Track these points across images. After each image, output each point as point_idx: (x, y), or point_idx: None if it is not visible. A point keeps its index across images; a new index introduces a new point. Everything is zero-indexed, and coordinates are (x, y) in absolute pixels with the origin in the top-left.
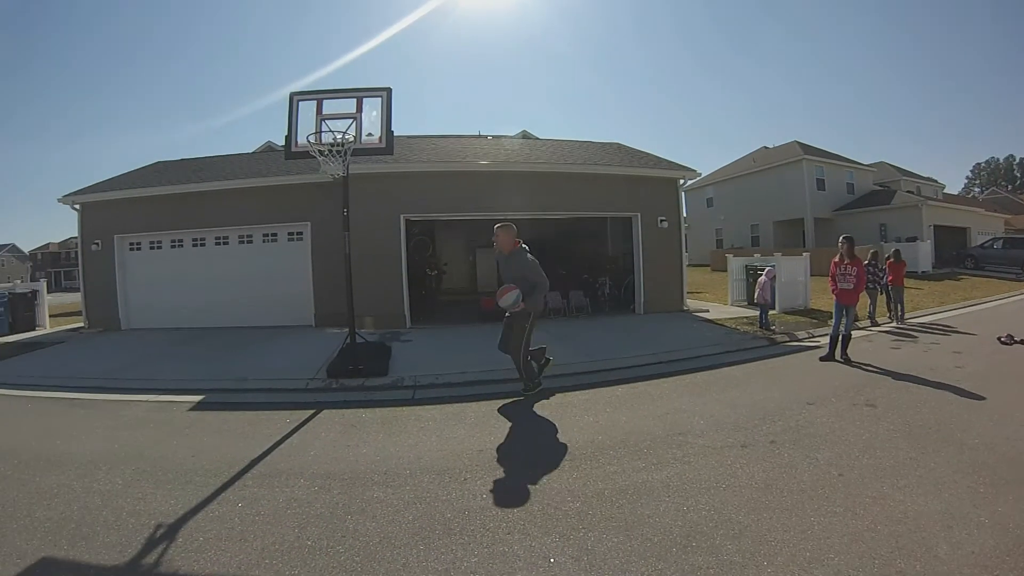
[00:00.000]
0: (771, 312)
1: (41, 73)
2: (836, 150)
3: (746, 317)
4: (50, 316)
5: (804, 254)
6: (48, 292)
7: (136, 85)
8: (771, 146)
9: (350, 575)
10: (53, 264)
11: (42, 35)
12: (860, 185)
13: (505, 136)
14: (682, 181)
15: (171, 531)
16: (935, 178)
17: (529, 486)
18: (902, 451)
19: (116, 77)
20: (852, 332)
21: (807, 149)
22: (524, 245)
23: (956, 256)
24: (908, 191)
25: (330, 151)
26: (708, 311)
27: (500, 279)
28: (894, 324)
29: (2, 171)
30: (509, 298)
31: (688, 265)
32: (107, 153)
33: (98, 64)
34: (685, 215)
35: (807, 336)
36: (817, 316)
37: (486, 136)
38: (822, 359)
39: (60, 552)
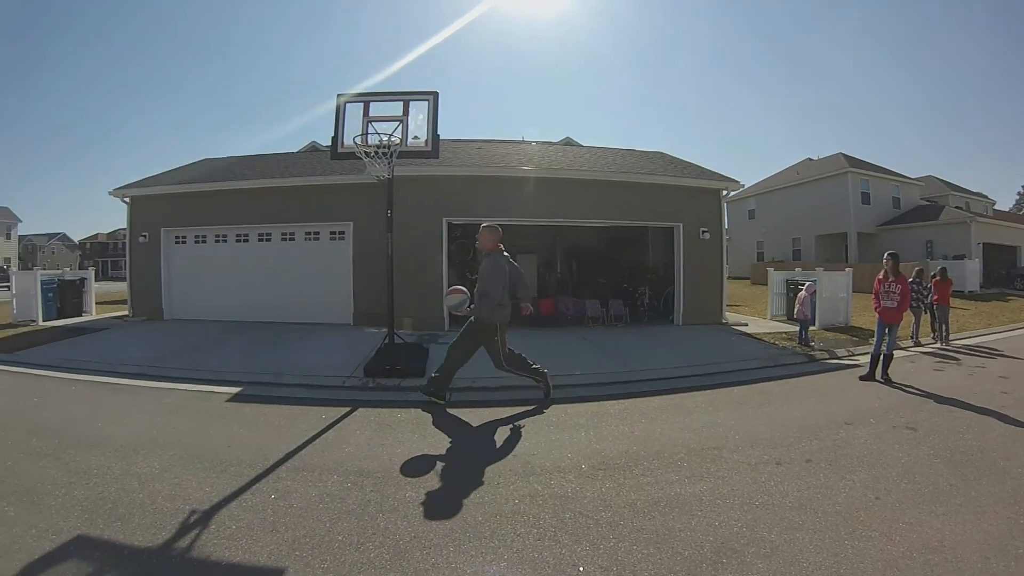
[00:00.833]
0: (811, 328)
1: (111, 78)
2: (882, 163)
3: (785, 332)
4: (96, 303)
5: (846, 269)
6: (95, 280)
7: (193, 88)
8: (815, 158)
9: (379, 572)
10: (101, 254)
11: (120, 42)
12: (906, 200)
13: (548, 142)
14: (725, 192)
15: (204, 517)
16: (985, 194)
17: (561, 494)
18: (942, 477)
19: (172, 82)
20: (894, 352)
21: (852, 161)
22: (505, 252)
23: (1006, 276)
24: (956, 207)
25: (376, 153)
26: (747, 324)
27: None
28: (938, 345)
29: (59, 164)
30: (452, 299)
31: (728, 277)
32: (159, 151)
33: (156, 71)
34: (726, 226)
35: (847, 354)
36: (858, 334)
37: (530, 142)
38: (862, 378)
39: (96, 531)
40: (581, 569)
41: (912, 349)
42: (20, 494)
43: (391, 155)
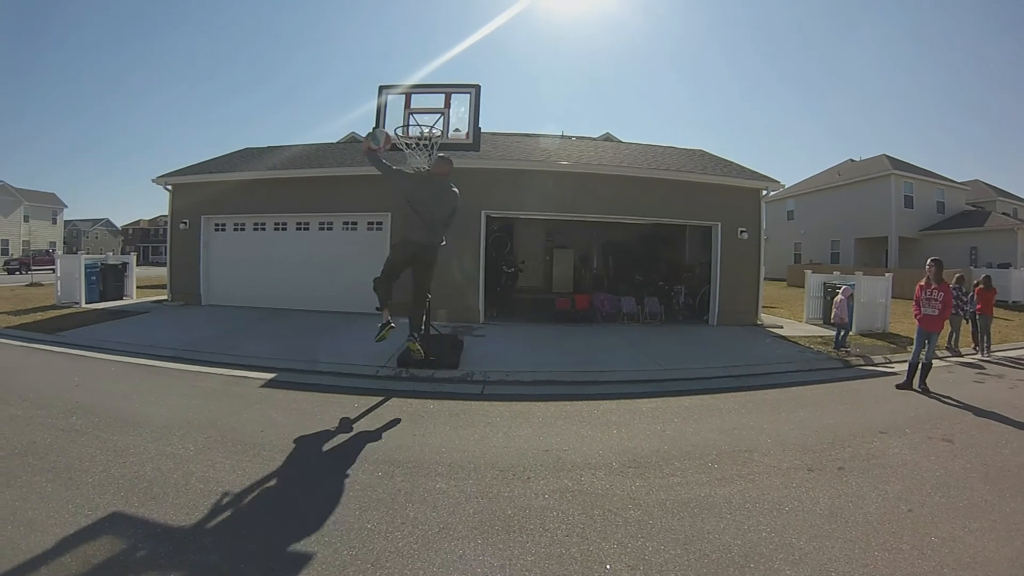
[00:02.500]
0: (848, 333)
1: (160, 69)
2: (927, 166)
3: (821, 336)
4: (137, 287)
5: (886, 274)
6: (136, 265)
7: (237, 78)
8: (858, 159)
9: (407, 560)
10: (143, 239)
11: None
12: (951, 204)
13: (588, 137)
14: (765, 192)
15: (236, 500)
16: None
17: (591, 490)
18: (977, 492)
19: (216, 71)
20: (933, 361)
21: (896, 163)
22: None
23: None
24: (1004, 213)
25: (416, 145)
26: (782, 327)
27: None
28: (979, 356)
29: (104, 150)
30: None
31: (764, 278)
32: (200, 138)
33: (198, 59)
34: (764, 227)
35: (884, 361)
36: (895, 340)
37: (569, 137)
38: (899, 387)
39: (131, 509)
40: (608, 567)
41: (950, 359)
42: (58, 471)
43: (432, 147)
